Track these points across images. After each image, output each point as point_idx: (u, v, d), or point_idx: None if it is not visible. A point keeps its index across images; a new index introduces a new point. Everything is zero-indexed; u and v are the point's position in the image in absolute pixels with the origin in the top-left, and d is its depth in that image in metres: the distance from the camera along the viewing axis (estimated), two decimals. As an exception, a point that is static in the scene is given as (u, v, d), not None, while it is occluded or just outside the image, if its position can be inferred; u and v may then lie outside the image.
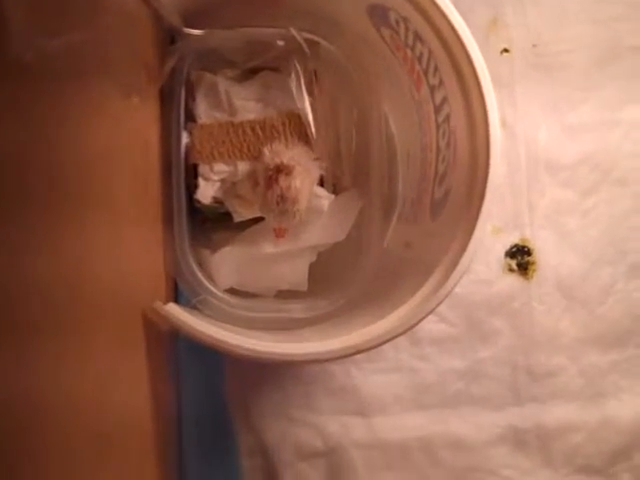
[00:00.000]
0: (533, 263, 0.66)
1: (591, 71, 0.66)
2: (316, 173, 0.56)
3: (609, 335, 0.66)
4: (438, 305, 0.49)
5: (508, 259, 0.66)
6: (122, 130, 0.46)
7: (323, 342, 0.49)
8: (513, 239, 0.66)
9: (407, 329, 0.48)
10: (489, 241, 0.65)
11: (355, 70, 0.59)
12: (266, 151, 0.54)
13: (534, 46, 0.66)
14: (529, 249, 0.66)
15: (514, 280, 0.66)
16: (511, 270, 0.66)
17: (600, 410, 0.66)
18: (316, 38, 0.58)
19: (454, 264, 0.49)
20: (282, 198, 0.52)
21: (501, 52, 0.66)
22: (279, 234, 0.55)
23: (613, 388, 0.66)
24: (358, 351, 0.48)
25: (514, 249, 0.66)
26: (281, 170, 0.53)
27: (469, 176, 0.50)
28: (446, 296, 0.49)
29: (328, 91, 0.60)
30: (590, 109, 0.66)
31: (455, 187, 0.52)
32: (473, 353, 0.65)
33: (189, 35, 0.52)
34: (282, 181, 0.52)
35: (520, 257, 0.66)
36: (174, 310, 0.47)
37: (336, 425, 0.64)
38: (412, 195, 0.61)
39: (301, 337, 0.53)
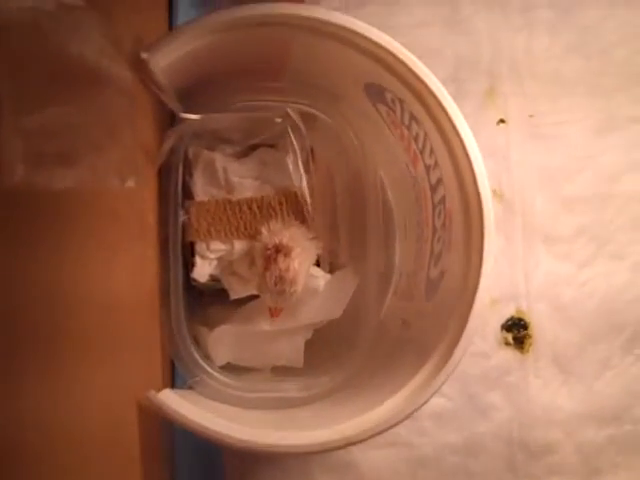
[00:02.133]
0: (529, 337, 0.65)
1: (588, 142, 0.67)
2: (313, 253, 0.56)
3: (606, 410, 0.66)
4: (433, 394, 0.48)
5: (504, 332, 0.65)
6: (119, 215, 0.45)
7: (320, 432, 0.48)
8: (509, 311, 0.66)
9: (403, 419, 0.48)
10: (485, 313, 0.64)
11: (352, 141, 0.59)
12: (264, 230, 0.54)
13: (530, 116, 0.67)
14: (525, 322, 0.65)
15: (510, 354, 0.65)
16: (507, 344, 0.65)
17: (597, 487, 0.65)
18: (313, 111, 0.58)
19: (449, 353, 0.49)
20: (280, 279, 0.52)
21: (497, 122, 0.66)
22: (274, 313, 0.54)
23: (609, 464, 0.65)
24: (355, 442, 0.47)
25: (510, 322, 0.66)
26: (280, 251, 0.52)
27: (464, 262, 0.50)
28: (441, 385, 0.48)
29: (325, 165, 0.60)
30: (587, 180, 0.66)
31: (450, 270, 0.52)
32: (470, 427, 0.65)
33: (187, 119, 0.52)
34: (281, 262, 0.52)
35: (516, 330, 0.65)
36: (168, 399, 0.47)
37: (333, 500, 0.64)
38: (408, 269, 0.61)
39: (297, 422, 0.53)
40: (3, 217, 0.28)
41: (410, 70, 0.48)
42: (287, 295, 0.53)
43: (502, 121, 0.67)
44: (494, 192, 0.65)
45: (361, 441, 0.48)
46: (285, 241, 0.53)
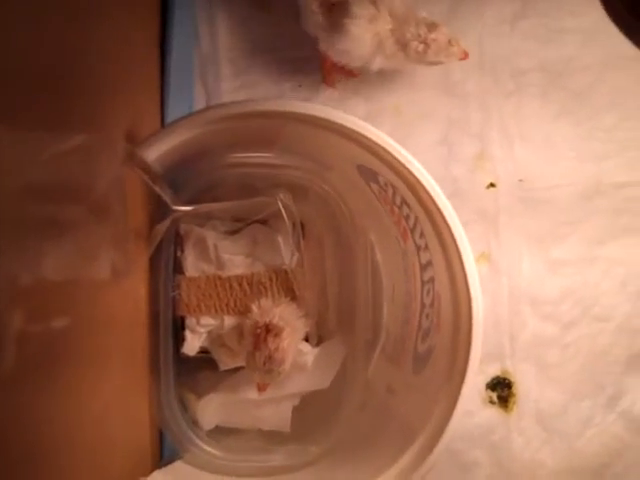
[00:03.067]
0: (513, 395, 0.67)
1: (575, 206, 0.67)
2: (302, 331, 0.56)
3: (586, 468, 0.67)
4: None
5: (489, 391, 0.67)
6: (112, 299, 0.46)
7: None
8: (494, 371, 0.67)
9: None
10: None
11: (342, 209, 0.60)
12: (254, 308, 0.54)
13: (520, 181, 0.67)
14: (510, 382, 0.67)
15: (494, 412, 0.67)
16: (492, 402, 0.67)
17: (577, 542, 0.67)
18: (306, 181, 0.58)
19: (437, 435, 0.50)
20: (269, 359, 0.53)
21: (487, 187, 0.67)
22: (262, 388, 0.55)
23: (590, 521, 0.67)
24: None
25: (495, 381, 0.67)
26: (270, 330, 0.53)
27: (452, 346, 0.51)
28: (429, 469, 0.49)
29: (315, 233, 0.61)
30: (573, 244, 0.67)
31: (438, 349, 0.53)
32: (453, 484, 0.66)
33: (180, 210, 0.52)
34: (270, 342, 0.52)
35: (501, 390, 0.67)
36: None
37: None
38: (396, 332, 0.62)
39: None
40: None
41: (403, 165, 0.48)
42: (275, 373, 0.53)
43: (492, 185, 0.67)
44: (482, 254, 0.66)
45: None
46: (275, 320, 0.53)
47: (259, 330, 0.53)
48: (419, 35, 0.58)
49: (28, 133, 0.33)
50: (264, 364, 0.53)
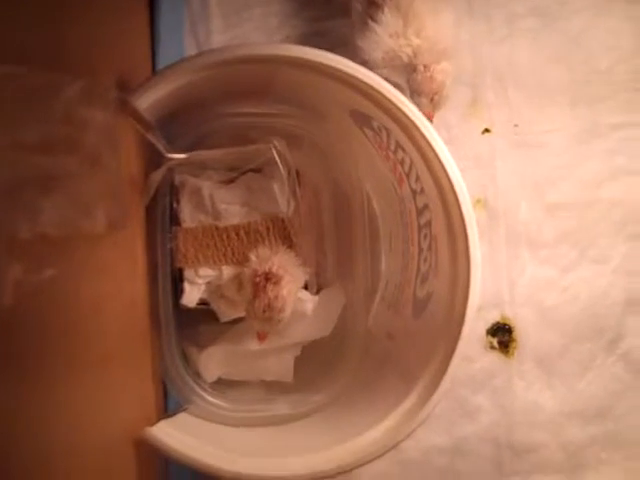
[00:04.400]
0: (514, 340, 0.67)
1: (571, 149, 0.67)
2: (301, 279, 0.56)
3: (588, 409, 0.67)
4: (423, 422, 0.50)
5: (490, 337, 0.67)
6: (108, 250, 0.46)
7: (311, 458, 0.50)
8: (494, 316, 0.67)
9: (392, 447, 0.50)
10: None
11: (337, 158, 0.59)
12: (253, 257, 0.54)
13: (515, 126, 0.67)
14: (510, 327, 0.67)
15: (495, 357, 0.67)
16: (492, 347, 0.67)
17: (580, 483, 0.67)
18: (300, 130, 0.58)
19: (438, 379, 0.50)
20: (269, 307, 0.53)
21: (482, 132, 0.67)
22: (262, 337, 0.55)
23: (593, 461, 0.67)
24: (346, 471, 0.49)
25: (495, 327, 0.67)
26: (269, 279, 0.53)
27: (451, 289, 0.51)
28: (430, 412, 0.50)
29: (311, 183, 0.61)
30: (569, 187, 0.67)
31: (437, 293, 0.53)
32: (457, 430, 0.67)
33: (174, 158, 0.52)
34: (270, 290, 0.53)
35: (501, 335, 0.67)
36: (163, 435, 0.48)
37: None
38: (395, 279, 0.62)
39: (289, 444, 0.54)
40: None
41: (397, 107, 0.48)
42: (275, 322, 0.54)
43: (487, 130, 0.67)
44: (478, 200, 0.66)
45: (353, 469, 0.49)
46: (274, 269, 0.53)
47: (258, 279, 0.53)
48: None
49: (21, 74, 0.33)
50: (263, 312, 0.53)
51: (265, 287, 0.53)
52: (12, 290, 0.31)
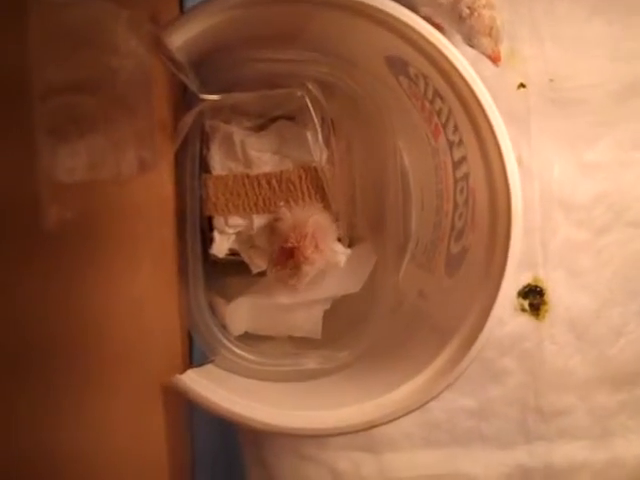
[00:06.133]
0: (545, 303, 0.65)
1: (608, 108, 0.65)
2: (334, 235, 0.55)
3: (619, 375, 0.66)
4: (458, 378, 0.48)
5: (520, 299, 0.65)
6: (140, 209, 0.45)
7: (343, 412, 0.49)
8: (525, 278, 0.66)
9: (425, 402, 0.49)
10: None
11: (370, 109, 0.58)
12: (287, 213, 0.53)
13: (551, 81, 0.65)
14: (542, 289, 0.65)
15: (526, 320, 0.66)
16: (523, 310, 0.65)
17: (608, 449, 0.66)
18: (332, 78, 0.56)
19: (472, 338, 0.49)
20: (290, 273, 0.53)
21: (518, 87, 0.65)
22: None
23: (621, 428, 0.66)
24: (379, 425, 0.48)
25: (526, 289, 0.65)
26: (298, 247, 0.52)
27: (489, 244, 0.50)
28: (465, 369, 0.49)
29: (343, 134, 0.59)
30: (606, 147, 0.65)
31: (473, 248, 0.52)
32: (484, 392, 0.66)
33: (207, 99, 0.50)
34: (295, 258, 0.52)
35: (532, 297, 0.65)
36: (193, 383, 0.47)
37: (346, 462, 0.65)
38: (426, 238, 0.61)
39: (319, 398, 0.53)
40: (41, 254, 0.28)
41: (438, 50, 0.47)
42: (291, 285, 0.54)
43: (522, 85, 0.65)
44: (512, 158, 0.64)
45: (384, 423, 0.48)
46: (308, 238, 0.52)
47: (290, 244, 0.52)
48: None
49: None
50: (284, 276, 0.53)
51: (292, 254, 0.52)
52: (53, 228, 0.30)
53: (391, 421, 0.48)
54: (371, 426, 0.48)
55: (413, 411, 0.48)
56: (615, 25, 0.66)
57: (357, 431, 0.48)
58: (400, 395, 0.49)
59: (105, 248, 0.40)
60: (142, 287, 0.44)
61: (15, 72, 0.30)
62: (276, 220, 0.54)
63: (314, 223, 0.53)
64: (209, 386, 0.48)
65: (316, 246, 0.53)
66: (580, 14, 0.65)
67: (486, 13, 0.52)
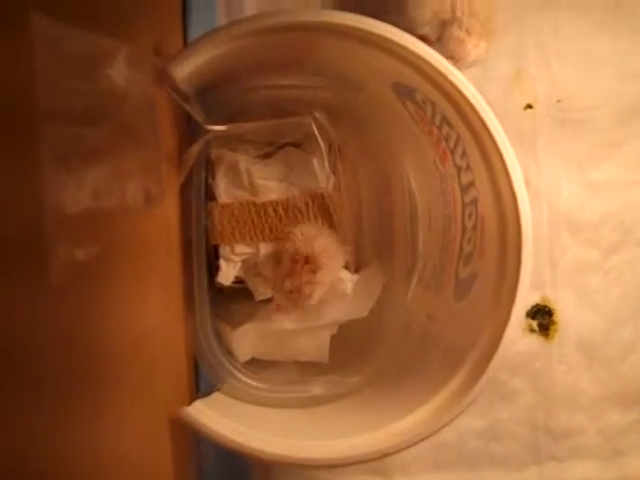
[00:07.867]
0: (554, 323, 0.65)
1: (615, 127, 0.65)
2: (342, 260, 0.54)
3: (629, 394, 0.66)
4: (469, 405, 0.48)
5: (529, 319, 0.65)
6: (146, 239, 0.45)
7: (352, 442, 0.48)
8: (534, 298, 0.65)
9: (437, 430, 0.48)
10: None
11: (376, 133, 0.58)
12: (298, 233, 0.53)
13: (558, 101, 0.65)
14: (550, 309, 0.65)
15: (535, 340, 0.65)
16: (532, 330, 0.65)
17: (619, 469, 0.66)
18: (339, 103, 0.56)
19: (484, 364, 0.48)
20: (298, 290, 0.52)
21: (524, 108, 0.64)
22: (279, 309, 0.54)
23: (632, 447, 0.66)
24: (389, 454, 0.48)
25: (535, 309, 0.65)
26: (308, 262, 0.52)
27: (499, 269, 0.49)
28: (478, 395, 0.48)
29: (349, 159, 0.59)
30: (613, 166, 0.65)
31: (483, 273, 0.51)
32: (493, 413, 0.65)
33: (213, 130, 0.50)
34: (305, 274, 0.51)
35: (541, 317, 0.65)
36: (200, 415, 0.47)
37: (357, 485, 0.64)
38: (434, 260, 0.60)
39: (326, 426, 0.53)
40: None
41: (445, 78, 0.46)
42: (298, 305, 0.53)
43: (529, 106, 0.65)
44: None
45: (396, 452, 0.48)
46: (317, 254, 0.52)
47: (298, 257, 0.52)
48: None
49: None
50: (290, 292, 0.52)
51: (302, 269, 0.52)
52: (61, 268, 0.30)
53: (403, 449, 0.48)
54: (382, 455, 0.47)
55: (425, 439, 0.48)
56: (620, 40, 0.65)
57: (368, 461, 0.48)
58: (412, 422, 0.49)
59: (112, 282, 0.39)
60: (149, 319, 0.44)
61: (19, 102, 0.30)
62: (285, 240, 0.54)
63: (323, 241, 0.53)
64: (217, 418, 0.48)
65: (318, 269, 0.52)
66: (586, 30, 0.65)
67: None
